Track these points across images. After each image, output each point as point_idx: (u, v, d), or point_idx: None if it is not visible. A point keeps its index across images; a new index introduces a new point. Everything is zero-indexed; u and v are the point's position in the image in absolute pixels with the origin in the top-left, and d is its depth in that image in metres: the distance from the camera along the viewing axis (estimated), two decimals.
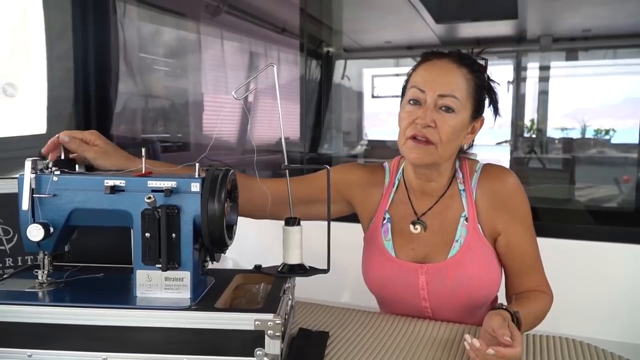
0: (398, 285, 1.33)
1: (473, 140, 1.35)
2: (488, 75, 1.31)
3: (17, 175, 1.06)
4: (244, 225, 1.27)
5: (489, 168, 1.34)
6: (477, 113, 1.28)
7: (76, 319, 0.98)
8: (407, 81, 1.31)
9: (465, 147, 1.32)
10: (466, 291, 1.28)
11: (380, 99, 4.82)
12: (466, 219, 1.30)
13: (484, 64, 1.30)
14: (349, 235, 1.59)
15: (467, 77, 1.24)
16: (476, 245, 1.28)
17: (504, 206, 1.30)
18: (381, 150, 4.69)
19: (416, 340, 1.18)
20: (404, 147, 1.26)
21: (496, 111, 1.33)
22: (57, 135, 1.20)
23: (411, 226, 1.34)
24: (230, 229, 1.13)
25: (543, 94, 4.01)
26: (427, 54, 1.29)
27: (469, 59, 1.27)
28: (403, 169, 1.39)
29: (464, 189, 1.32)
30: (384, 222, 1.37)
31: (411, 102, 1.25)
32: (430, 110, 1.21)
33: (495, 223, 1.30)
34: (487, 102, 1.32)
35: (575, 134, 3.98)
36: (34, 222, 1.04)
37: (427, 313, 1.34)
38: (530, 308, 1.24)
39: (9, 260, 1.36)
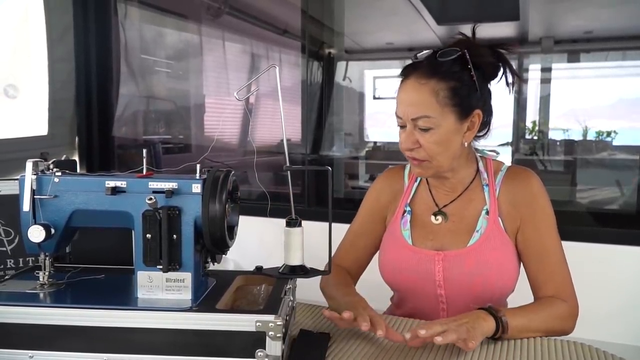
0: (413, 273, 1.35)
1: (488, 130, 1.35)
2: (468, 58, 1.25)
3: (18, 177, 1.06)
4: (245, 227, 1.27)
5: (514, 169, 1.37)
6: (464, 113, 1.26)
7: (77, 320, 0.98)
8: None
9: (466, 144, 1.31)
10: (483, 280, 1.29)
11: (382, 100, 4.82)
12: (487, 212, 1.32)
13: (463, 53, 1.25)
14: None
15: (437, 87, 1.23)
16: (496, 237, 1.30)
17: (526, 205, 1.31)
18: (384, 152, 4.69)
19: None
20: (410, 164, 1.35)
21: (508, 81, 1.31)
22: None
23: (432, 217, 1.37)
24: (231, 230, 1.13)
25: (545, 96, 4.01)
26: (403, 71, 1.30)
27: (441, 65, 1.24)
28: None
29: (487, 185, 1.35)
30: (404, 214, 1.41)
31: (399, 127, 1.31)
32: (410, 133, 1.26)
33: (516, 220, 1.31)
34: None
35: (577, 136, 3.98)
36: (35, 223, 1.04)
37: (442, 302, 1.35)
38: (527, 311, 1.23)
39: (10, 261, 1.36)
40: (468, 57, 1.24)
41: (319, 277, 1.20)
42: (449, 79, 1.23)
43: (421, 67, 1.26)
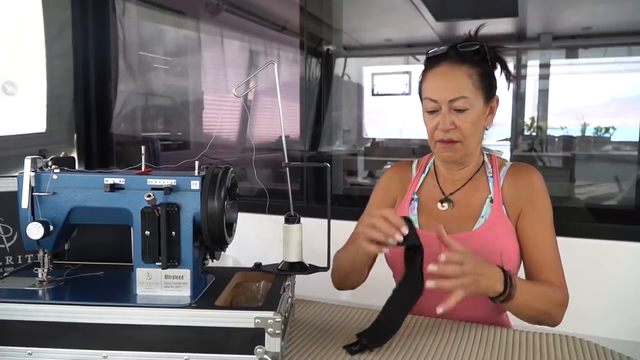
0: None
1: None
2: (486, 50, 1.35)
3: (16, 174, 1.06)
4: (244, 223, 1.27)
5: (518, 165, 1.44)
6: (489, 97, 1.36)
7: (76, 317, 0.98)
8: (420, 88, 1.41)
9: (488, 128, 1.40)
10: None
11: (381, 97, 4.82)
12: (491, 200, 1.37)
13: (482, 46, 1.35)
14: (349, 233, 1.59)
15: (469, 72, 1.32)
16: (500, 223, 1.35)
17: (526, 198, 1.36)
18: (382, 148, 4.69)
19: (417, 336, 1.19)
20: (435, 149, 1.39)
21: (508, 75, 1.40)
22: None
23: (439, 204, 1.42)
24: (230, 226, 1.13)
25: (543, 92, 4.01)
26: (429, 60, 1.38)
27: (467, 54, 1.34)
28: (434, 161, 1.50)
29: (491, 176, 1.41)
30: (412, 201, 1.46)
31: (429, 112, 1.36)
32: (446, 115, 1.32)
33: (517, 210, 1.36)
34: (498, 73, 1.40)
35: (576, 132, 3.98)
36: (34, 220, 1.04)
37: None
38: (533, 285, 1.28)
39: (9, 258, 1.36)
40: (486, 49, 1.35)
41: (319, 273, 1.20)
42: (477, 65, 1.33)
43: (449, 56, 1.35)
